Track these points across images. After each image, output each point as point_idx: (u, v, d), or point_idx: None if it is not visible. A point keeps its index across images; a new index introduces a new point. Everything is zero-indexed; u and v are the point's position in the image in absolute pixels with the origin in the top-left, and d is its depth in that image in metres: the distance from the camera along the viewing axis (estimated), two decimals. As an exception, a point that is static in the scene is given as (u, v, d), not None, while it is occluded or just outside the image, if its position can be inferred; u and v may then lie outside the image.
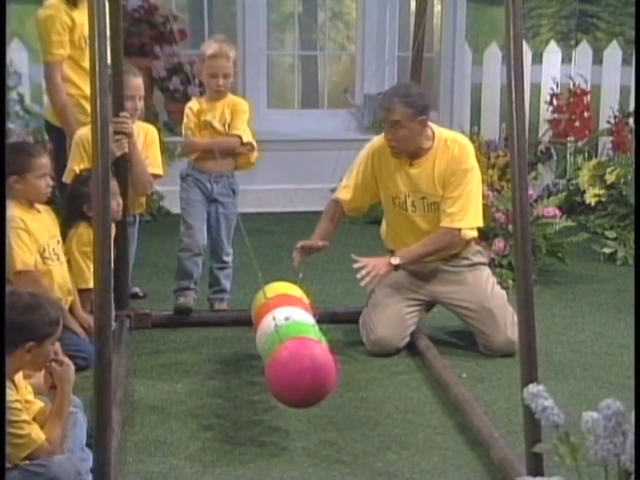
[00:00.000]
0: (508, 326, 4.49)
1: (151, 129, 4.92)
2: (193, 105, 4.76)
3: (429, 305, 4.68)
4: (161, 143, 5.11)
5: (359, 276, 4.31)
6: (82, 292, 4.37)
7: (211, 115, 4.72)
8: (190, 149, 4.81)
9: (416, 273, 4.61)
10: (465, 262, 4.61)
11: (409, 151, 4.43)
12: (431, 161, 4.44)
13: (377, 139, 4.58)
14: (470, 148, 4.51)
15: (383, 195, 4.57)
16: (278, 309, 3.74)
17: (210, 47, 4.65)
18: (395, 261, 4.38)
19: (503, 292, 4.69)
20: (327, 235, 4.56)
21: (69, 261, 4.38)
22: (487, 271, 4.69)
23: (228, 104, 4.77)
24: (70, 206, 4.46)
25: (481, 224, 4.55)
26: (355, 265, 4.33)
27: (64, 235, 4.39)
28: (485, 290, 4.58)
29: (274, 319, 3.61)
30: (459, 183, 4.41)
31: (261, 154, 4.90)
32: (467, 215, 4.42)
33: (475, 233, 4.53)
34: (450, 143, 4.46)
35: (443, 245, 4.46)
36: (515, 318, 4.40)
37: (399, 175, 4.48)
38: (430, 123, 4.50)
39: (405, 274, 4.60)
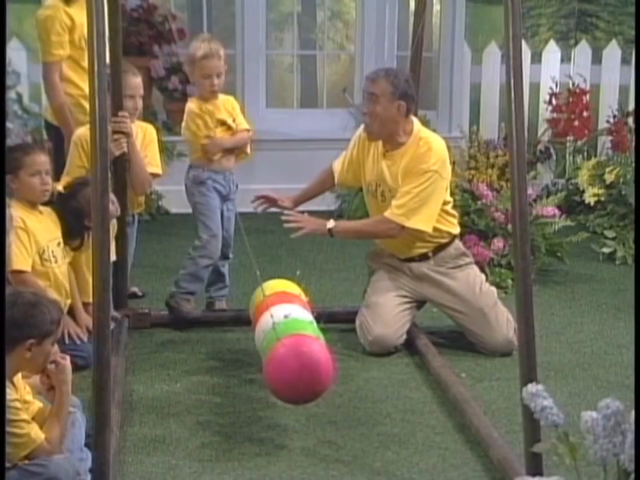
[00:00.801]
0: (502, 324, 4.49)
1: (150, 128, 4.91)
2: (196, 105, 4.69)
3: (420, 303, 4.71)
4: (160, 142, 5.11)
5: (284, 218, 4.41)
6: (85, 305, 4.35)
7: (221, 113, 4.72)
8: (216, 150, 4.71)
9: (406, 274, 4.63)
10: (451, 264, 4.62)
11: (381, 133, 4.43)
12: (401, 155, 4.44)
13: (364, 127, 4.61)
14: (439, 151, 4.42)
15: (363, 182, 4.62)
16: (276, 306, 3.74)
17: (199, 48, 4.61)
18: (330, 224, 4.39)
19: (493, 290, 4.68)
20: (305, 197, 4.78)
21: (76, 272, 4.39)
22: (473, 270, 4.69)
23: (223, 101, 4.77)
24: (70, 219, 4.43)
25: (427, 229, 4.43)
26: (285, 217, 4.42)
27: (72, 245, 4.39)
28: (473, 290, 4.58)
29: (272, 316, 3.61)
30: (411, 181, 4.37)
31: (260, 153, 4.91)
32: (408, 212, 4.35)
33: (428, 230, 4.46)
34: (422, 143, 4.43)
35: (378, 232, 4.52)
36: (510, 316, 4.44)
37: (373, 164, 4.53)
38: (414, 120, 4.48)
39: (396, 274, 4.63)
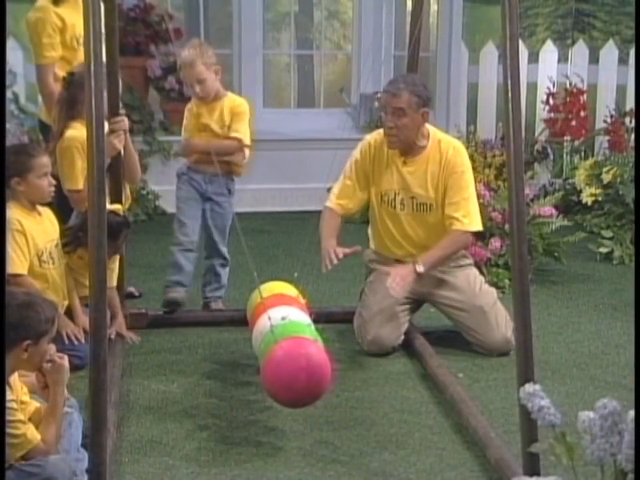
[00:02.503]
0: (501, 324, 4.49)
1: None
2: (192, 106, 4.78)
3: (418, 303, 4.70)
4: (157, 142, 5.13)
5: (387, 284, 4.34)
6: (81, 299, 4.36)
7: (209, 117, 4.73)
8: (189, 151, 4.84)
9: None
10: (452, 264, 4.61)
11: (407, 142, 4.42)
12: (425, 161, 4.45)
13: (373, 134, 4.59)
14: (463, 150, 4.54)
15: (373, 192, 4.56)
16: (274, 308, 3.73)
17: (180, 57, 4.72)
18: (420, 268, 4.37)
19: (492, 290, 4.70)
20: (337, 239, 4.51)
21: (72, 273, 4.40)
22: (473, 270, 4.71)
23: (227, 105, 4.76)
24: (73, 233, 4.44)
25: (481, 225, 4.61)
26: (387, 283, 4.37)
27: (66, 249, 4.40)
28: (473, 289, 4.58)
29: (269, 318, 3.60)
30: (459, 187, 4.43)
31: (258, 153, 4.89)
32: (473, 217, 4.47)
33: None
34: (444, 145, 4.47)
35: (459, 246, 4.52)
36: (509, 316, 4.44)
37: (391, 171, 4.49)
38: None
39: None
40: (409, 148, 4.45)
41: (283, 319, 3.60)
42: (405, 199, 4.48)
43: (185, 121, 4.81)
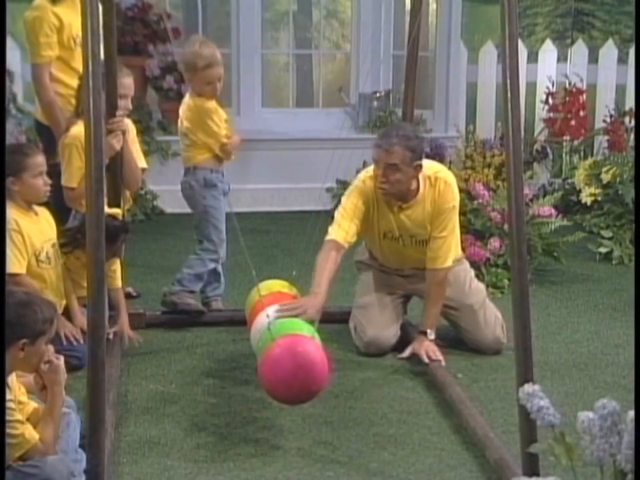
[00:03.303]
0: (490, 322, 4.51)
1: (131, 124, 4.89)
2: (208, 103, 4.63)
3: (407, 298, 4.71)
4: (155, 141, 5.10)
5: (405, 355, 4.37)
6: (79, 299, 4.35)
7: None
8: (235, 149, 4.75)
9: (396, 272, 4.62)
10: None
11: (400, 193, 4.34)
12: (421, 204, 4.37)
13: (366, 179, 4.41)
14: (453, 181, 4.44)
15: (377, 229, 4.47)
16: (272, 306, 3.73)
17: (200, 57, 4.55)
18: (432, 336, 4.37)
19: (482, 287, 4.70)
20: (329, 287, 4.16)
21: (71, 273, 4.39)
22: (463, 265, 4.69)
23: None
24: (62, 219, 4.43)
25: (459, 252, 4.60)
26: (403, 356, 4.38)
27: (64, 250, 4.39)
28: (463, 287, 4.58)
29: (267, 316, 3.60)
30: (447, 222, 4.38)
31: (256, 153, 4.88)
32: (451, 251, 4.42)
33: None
34: (434, 181, 4.37)
35: (442, 284, 4.43)
36: (498, 314, 4.46)
37: (391, 216, 4.41)
38: None
39: (384, 273, 4.63)
40: (403, 196, 4.37)
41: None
42: (404, 237, 4.45)
43: (204, 120, 4.60)
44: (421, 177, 4.34)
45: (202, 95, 4.64)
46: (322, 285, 4.08)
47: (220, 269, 4.93)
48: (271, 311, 3.68)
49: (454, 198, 4.40)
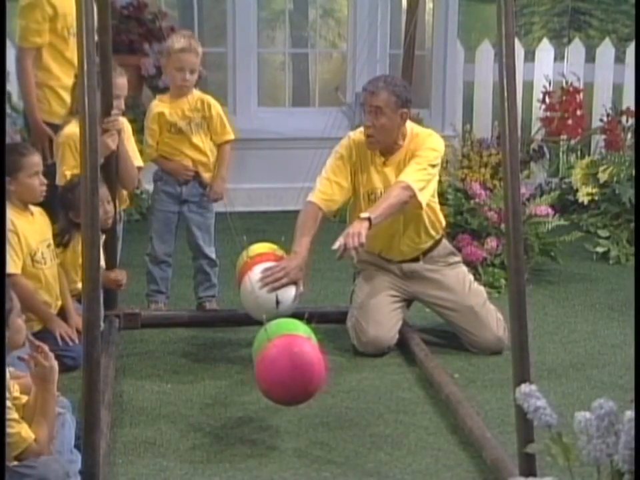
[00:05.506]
0: (492, 323, 4.50)
1: (126, 122, 4.89)
2: (155, 106, 4.76)
3: (409, 301, 4.70)
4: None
5: (335, 246, 4.10)
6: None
7: (176, 115, 4.71)
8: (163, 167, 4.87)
9: (395, 273, 4.61)
10: (441, 262, 4.62)
11: (385, 143, 4.39)
12: (402, 157, 4.41)
13: (355, 132, 4.54)
14: (439, 138, 4.47)
15: (361, 190, 4.49)
16: (258, 266, 3.99)
17: (178, 41, 4.66)
18: (364, 214, 4.18)
19: (482, 289, 4.69)
20: (310, 246, 4.28)
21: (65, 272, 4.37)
22: (462, 269, 4.70)
23: (196, 101, 4.74)
24: (62, 214, 4.42)
25: (424, 207, 4.37)
26: (334, 246, 4.13)
27: (60, 241, 4.37)
28: (462, 288, 4.58)
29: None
30: (421, 156, 4.33)
31: (252, 152, 4.88)
32: (424, 187, 4.29)
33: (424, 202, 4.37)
34: (416, 136, 4.43)
35: (403, 200, 4.24)
36: (499, 315, 4.45)
37: (374, 171, 4.46)
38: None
39: (384, 273, 4.61)
40: (389, 149, 4.42)
41: (278, 303, 3.86)
42: None
43: (148, 124, 4.77)
44: (408, 135, 4.41)
45: (172, 87, 4.75)
46: (302, 243, 4.23)
47: (208, 269, 4.91)
48: (257, 271, 3.87)
49: (434, 143, 4.40)
